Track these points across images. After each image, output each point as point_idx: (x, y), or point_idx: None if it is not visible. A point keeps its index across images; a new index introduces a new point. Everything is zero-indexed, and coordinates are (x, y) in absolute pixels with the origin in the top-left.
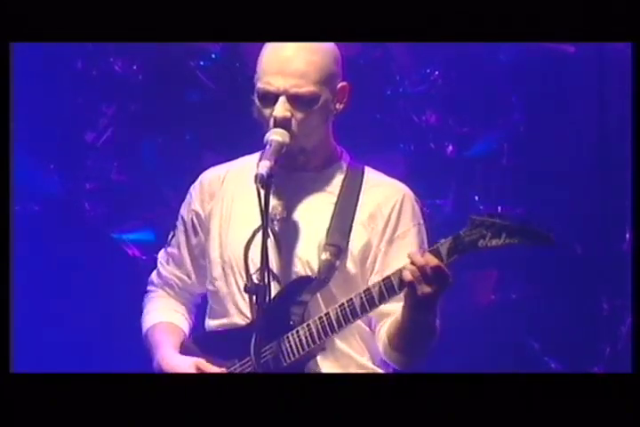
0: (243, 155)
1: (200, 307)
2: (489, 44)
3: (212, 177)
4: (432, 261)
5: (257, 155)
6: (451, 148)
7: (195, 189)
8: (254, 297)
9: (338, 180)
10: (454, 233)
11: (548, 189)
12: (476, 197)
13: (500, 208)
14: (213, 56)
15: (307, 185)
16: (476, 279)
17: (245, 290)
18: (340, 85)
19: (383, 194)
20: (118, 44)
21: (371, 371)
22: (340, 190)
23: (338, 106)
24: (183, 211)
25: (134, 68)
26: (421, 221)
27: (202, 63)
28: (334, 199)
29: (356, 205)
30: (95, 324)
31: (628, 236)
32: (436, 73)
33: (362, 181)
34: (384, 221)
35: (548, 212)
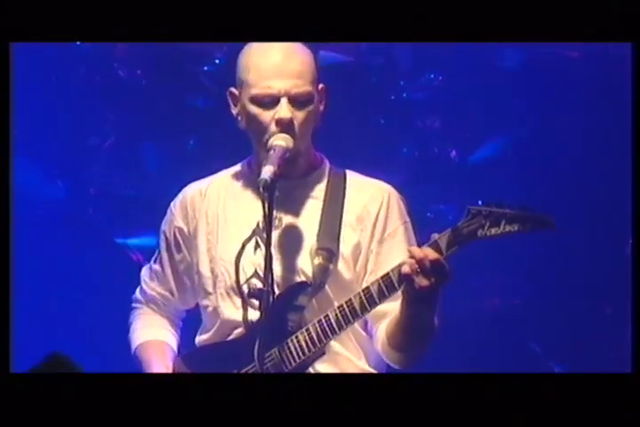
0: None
1: (185, 321)
2: (492, 49)
3: (193, 193)
4: (431, 254)
5: (237, 167)
6: (454, 153)
7: (176, 206)
8: (257, 302)
9: (321, 185)
10: (452, 225)
11: (552, 193)
12: (480, 202)
13: None
14: (217, 61)
15: (292, 192)
16: (480, 284)
17: (249, 295)
18: (320, 87)
19: (368, 194)
20: (121, 49)
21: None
22: (325, 195)
23: (321, 107)
24: (165, 228)
25: (138, 73)
26: (407, 219)
27: (205, 68)
28: (320, 204)
29: (342, 208)
30: (95, 325)
31: (630, 240)
32: (440, 78)
33: (345, 183)
34: (372, 222)
35: (550, 215)
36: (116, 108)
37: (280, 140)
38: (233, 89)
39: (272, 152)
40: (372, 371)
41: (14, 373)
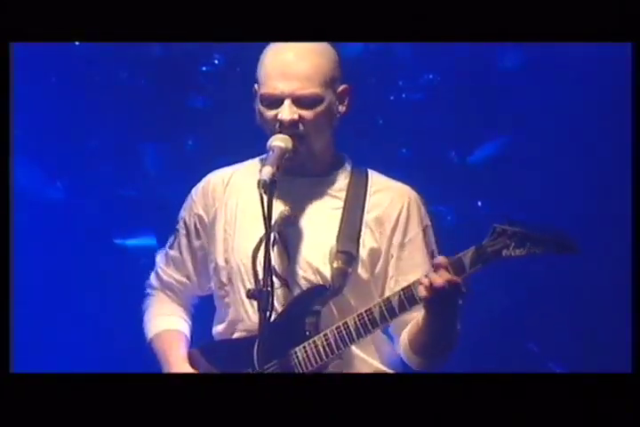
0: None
1: (197, 308)
2: (491, 49)
3: (215, 181)
4: (447, 276)
5: (259, 159)
6: (453, 153)
7: (197, 193)
8: (258, 303)
9: (343, 184)
10: (477, 243)
11: (551, 193)
12: (479, 203)
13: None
14: (216, 61)
15: (313, 190)
16: (479, 284)
17: (248, 295)
18: (341, 88)
19: (389, 197)
20: (121, 49)
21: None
22: (347, 195)
23: (341, 108)
24: (185, 214)
25: (137, 73)
26: (429, 223)
27: (204, 68)
28: (341, 204)
29: (363, 210)
30: (95, 324)
31: (629, 238)
32: (439, 79)
33: (367, 184)
34: (392, 226)
35: (550, 215)
36: (115, 108)
37: (279, 142)
38: (255, 85)
39: (271, 153)
40: (386, 370)
41: (14, 373)
